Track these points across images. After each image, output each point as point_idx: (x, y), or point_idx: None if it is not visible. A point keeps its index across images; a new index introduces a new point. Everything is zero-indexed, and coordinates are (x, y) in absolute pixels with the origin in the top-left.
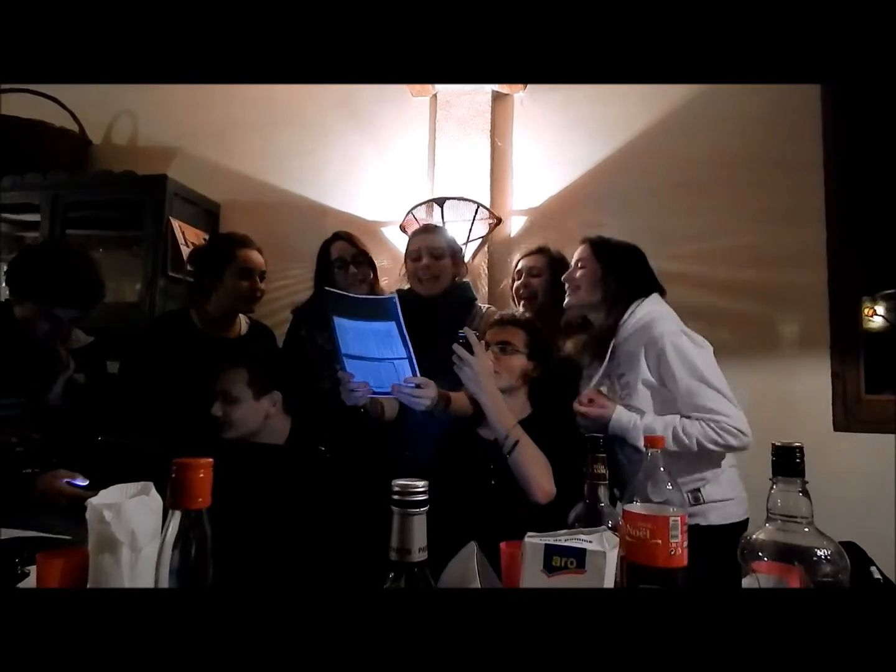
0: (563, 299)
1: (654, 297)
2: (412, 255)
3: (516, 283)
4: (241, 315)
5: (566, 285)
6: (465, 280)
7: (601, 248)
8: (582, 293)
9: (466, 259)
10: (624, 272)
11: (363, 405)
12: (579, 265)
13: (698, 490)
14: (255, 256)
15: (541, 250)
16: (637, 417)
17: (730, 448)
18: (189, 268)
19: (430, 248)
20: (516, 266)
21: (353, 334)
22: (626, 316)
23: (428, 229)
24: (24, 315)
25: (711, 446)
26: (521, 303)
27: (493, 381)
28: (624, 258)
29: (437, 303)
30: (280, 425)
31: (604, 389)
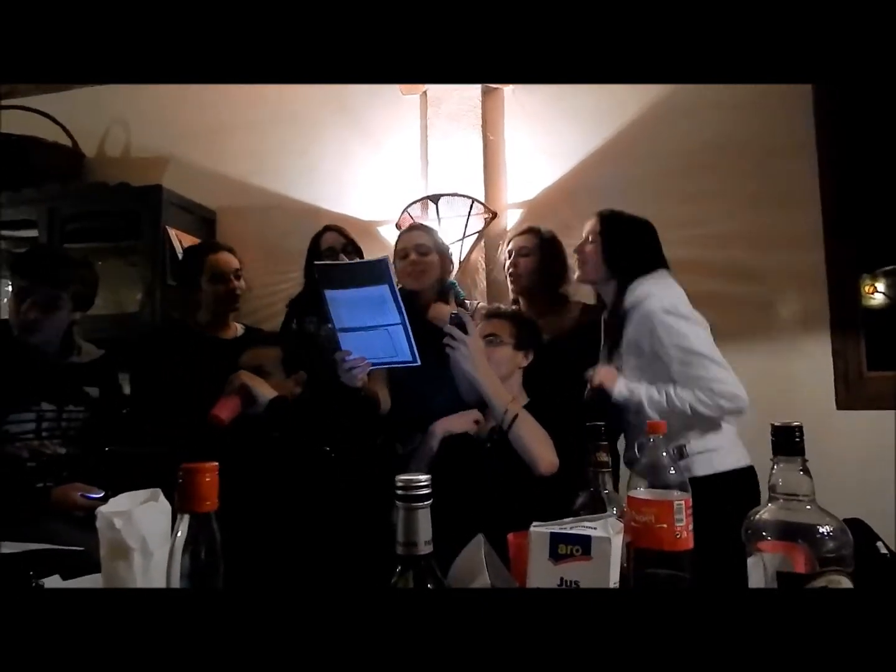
0: (554, 278)
1: (658, 273)
2: (400, 254)
3: (506, 264)
4: (234, 322)
5: (576, 257)
6: (452, 280)
7: (612, 223)
8: (590, 268)
9: (463, 254)
10: (631, 249)
11: (363, 388)
12: (589, 239)
13: (683, 446)
14: (224, 258)
15: (530, 230)
16: (637, 385)
17: (723, 410)
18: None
19: (416, 246)
20: (507, 246)
21: (346, 306)
22: (626, 294)
23: (415, 227)
24: (26, 308)
25: (704, 410)
26: (512, 282)
27: (486, 360)
28: (633, 234)
29: (425, 304)
30: None
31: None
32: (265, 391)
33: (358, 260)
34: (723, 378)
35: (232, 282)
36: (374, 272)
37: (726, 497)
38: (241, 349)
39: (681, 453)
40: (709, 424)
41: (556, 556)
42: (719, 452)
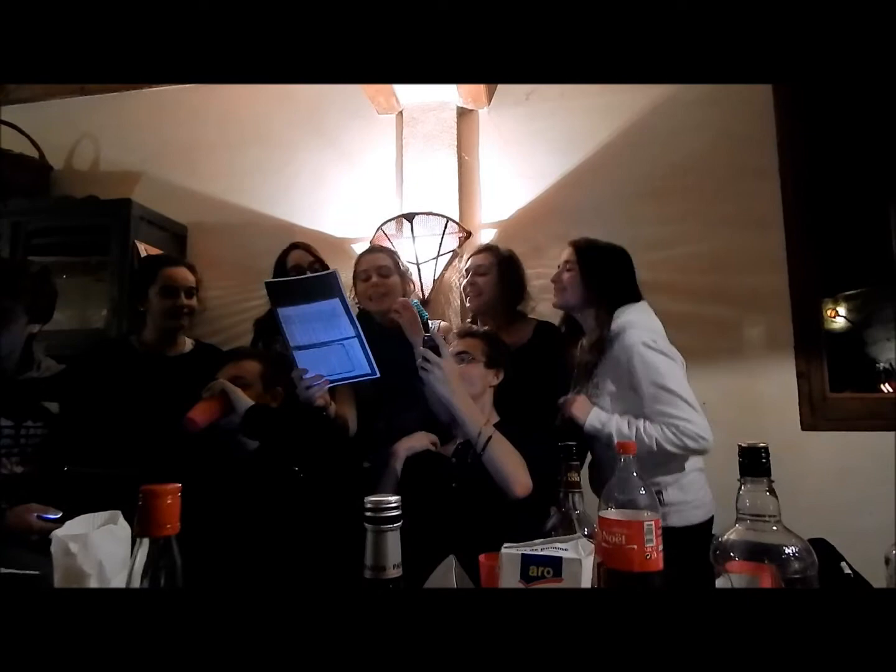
0: (512, 296)
1: (639, 305)
2: (361, 276)
3: (464, 282)
4: (185, 336)
5: (553, 286)
6: (413, 301)
7: (586, 253)
8: (567, 295)
9: (437, 273)
10: (607, 278)
11: (326, 408)
12: (567, 267)
13: (660, 493)
14: (179, 273)
15: (488, 248)
16: (608, 418)
17: (688, 450)
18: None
19: (377, 268)
20: (465, 264)
21: (298, 322)
22: (610, 321)
23: (374, 249)
24: None
25: (669, 447)
26: (469, 301)
27: (460, 383)
28: (608, 263)
29: (393, 327)
30: None
31: (582, 392)
32: (244, 400)
33: (307, 276)
34: (691, 418)
35: (181, 298)
36: (325, 286)
37: (695, 548)
38: (189, 365)
39: (659, 500)
40: (678, 464)
41: (527, 578)
42: (693, 505)
